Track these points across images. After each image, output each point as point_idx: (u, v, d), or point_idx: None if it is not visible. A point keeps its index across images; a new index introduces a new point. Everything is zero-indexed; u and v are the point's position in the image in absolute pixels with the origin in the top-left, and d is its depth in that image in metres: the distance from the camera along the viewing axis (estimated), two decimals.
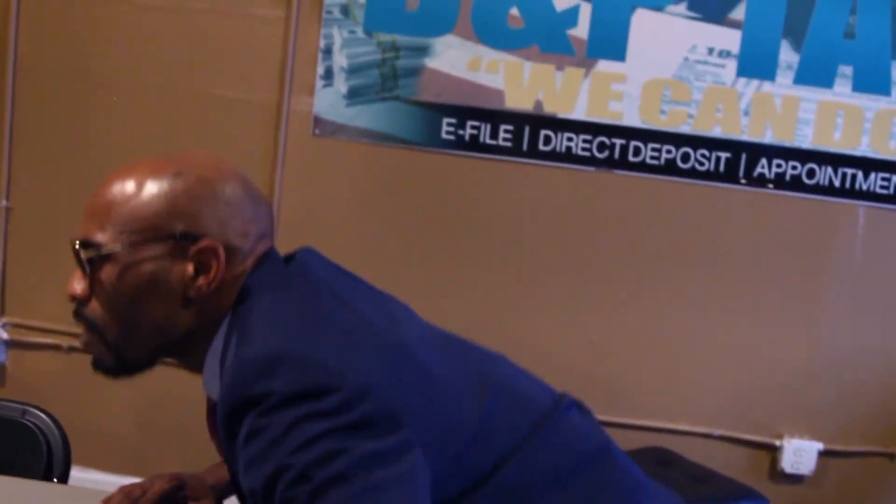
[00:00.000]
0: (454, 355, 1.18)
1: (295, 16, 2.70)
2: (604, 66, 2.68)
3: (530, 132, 2.70)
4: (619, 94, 2.68)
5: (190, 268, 1.11)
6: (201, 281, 1.11)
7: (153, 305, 1.11)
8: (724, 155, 2.70)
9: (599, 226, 2.73)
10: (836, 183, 2.70)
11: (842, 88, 2.67)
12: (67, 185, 2.79)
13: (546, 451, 1.14)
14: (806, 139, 2.69)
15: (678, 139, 2.69)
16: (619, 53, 2.67)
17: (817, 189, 2.70)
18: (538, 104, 2.69)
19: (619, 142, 2.70)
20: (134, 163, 1.16)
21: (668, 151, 2.70)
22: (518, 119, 2.70)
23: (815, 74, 2.67)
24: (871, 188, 2.70)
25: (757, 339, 2.75)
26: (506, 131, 2.70)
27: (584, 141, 2.70)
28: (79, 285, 1.13)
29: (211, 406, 1.18)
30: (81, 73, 2.79)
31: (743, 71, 2.67)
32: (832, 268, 2.74)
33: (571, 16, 2.66)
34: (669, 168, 2.70)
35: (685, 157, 2.70)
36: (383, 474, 0.97)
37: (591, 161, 2.71)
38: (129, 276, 1.11)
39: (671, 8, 2.66)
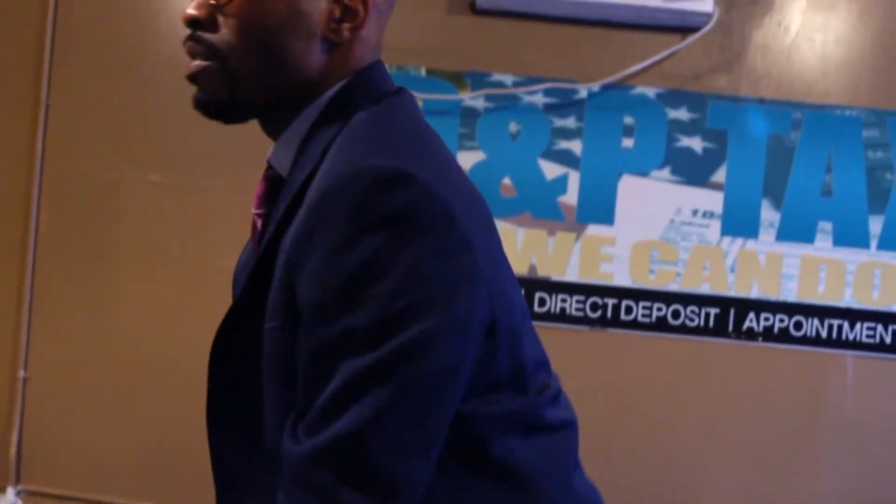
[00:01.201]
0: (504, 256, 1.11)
1: None
2: (593, 230, 2.80)
3: (525, 295, 2.81)
4: (610, 256, 2.80)
5: (337, 9, 1.06)
6: (345, 25, 1.06)
7: (292, 38, 1.05)
8: (713, 311, 2.80)
9: (595, 383, 2.82)
10: (823, 334, 2.80)
11: (823, 243, 2.79)
12: (84, 358, 2.90)
13: (541, 397, 1.10)
14: (791, 293, 2.80)
15: (668, 297, 2.80)
16: (607, 218, 2.80)
17: (805, 340, 2.80)
18: (532, 268, 2.81)
19: (611, 301, 2.81)
20: None
21: (659, 309, 2.80)
22: None
23: (796, 231, 2.79)
24: (858, 338, 2.80)
25: (752, 488, 2.80)
26: None
27: (578, 301, 2.81)
28: (202, 7, 1.05)
29: (270, 177, 1.12)
30: (99, 248, 2.92)
31: (727, 230, 2.79)
32: (824, 417, 2.81)
33: (561, 184, 2.80)
34: (661, 325, 2.80)
35: (675, 314, 2.80)
36: (447, 352, 0.92)
37: (585, 321, 2.82)
38: (274, 5, 1.04)
39: (655, 173, 2.80)
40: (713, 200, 2.79)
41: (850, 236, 2.79)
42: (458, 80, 2.82)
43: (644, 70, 2.80)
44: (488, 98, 2.81)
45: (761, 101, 2.80)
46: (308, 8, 1.05)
